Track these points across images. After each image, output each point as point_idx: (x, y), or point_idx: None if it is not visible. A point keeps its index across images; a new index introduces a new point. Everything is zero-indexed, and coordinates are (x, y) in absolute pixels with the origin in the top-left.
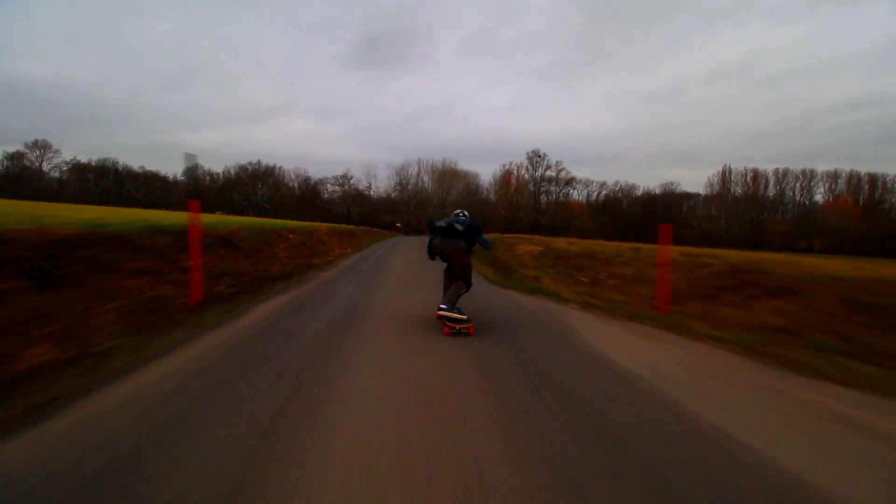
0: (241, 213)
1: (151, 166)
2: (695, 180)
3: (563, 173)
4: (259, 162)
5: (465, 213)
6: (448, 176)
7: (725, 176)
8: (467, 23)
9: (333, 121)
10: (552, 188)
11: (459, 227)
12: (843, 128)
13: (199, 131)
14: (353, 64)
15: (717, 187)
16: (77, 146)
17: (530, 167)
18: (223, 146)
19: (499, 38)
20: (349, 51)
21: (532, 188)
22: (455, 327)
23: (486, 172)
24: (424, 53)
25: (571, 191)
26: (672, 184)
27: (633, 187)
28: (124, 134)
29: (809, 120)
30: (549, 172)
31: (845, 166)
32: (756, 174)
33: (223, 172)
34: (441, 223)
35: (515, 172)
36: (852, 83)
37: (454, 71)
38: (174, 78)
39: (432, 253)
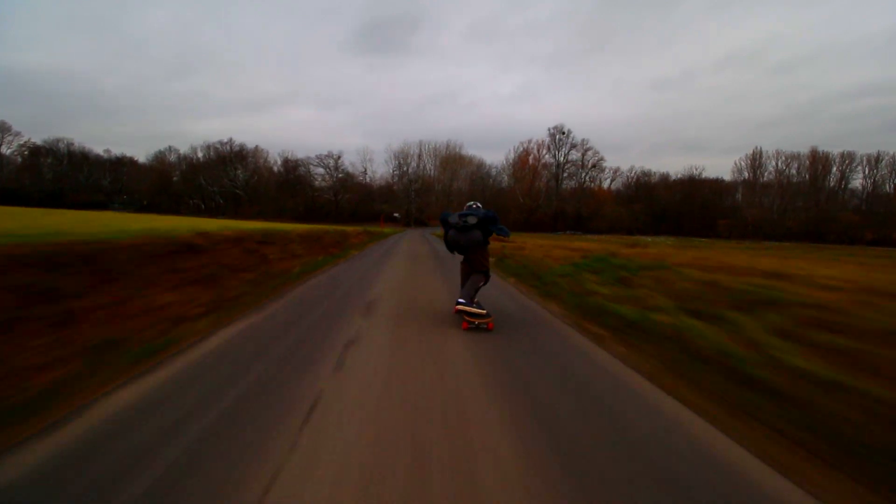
0: (212, 201)
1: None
2: (706, 167)
3: (589, 154)
4: (231, 140)
5: (478, 203)
6: (452, 161)
7: (756, 160)
8: (473, 9)
9: (336, 110)
10: (578, 172)
11: (473, 219)
12: (857, 115)
13: (201, 121)
14: (356, 51)
15: (748, 173)
16: (79, 136)
17: (552, 146)
18: (225, 135)
19: (505, 25)
20: (352, 38)
21: (555, 171)
22: (474, 322)
23: (490, 161)
24: (429, 40)
25: (601, 175)
26: (696, 168)
27: (650, 173)
28: (127, 124)
29: (823, 106)
30: (573, 154)
31: (860, 152)
32: (815, 155)
33: (191, 153)
34: (453, 219)
35: (535, 152)
36: (870, 67)
37: (459, 58)
38: (176, 67)
39: (450, 246)
